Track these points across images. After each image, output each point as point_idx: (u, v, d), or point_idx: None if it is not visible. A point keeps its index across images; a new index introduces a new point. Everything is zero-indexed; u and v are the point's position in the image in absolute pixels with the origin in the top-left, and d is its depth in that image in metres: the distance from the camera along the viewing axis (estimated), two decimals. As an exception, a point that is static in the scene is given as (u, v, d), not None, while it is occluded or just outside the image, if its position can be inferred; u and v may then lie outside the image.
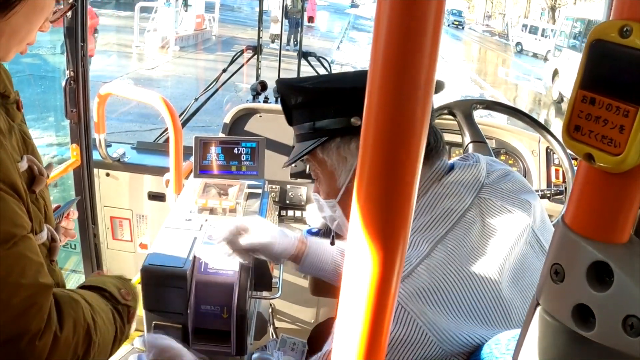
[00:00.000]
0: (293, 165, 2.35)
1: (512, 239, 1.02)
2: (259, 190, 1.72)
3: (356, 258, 0.45)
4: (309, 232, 1.92)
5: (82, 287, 1.11)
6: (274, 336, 2.16)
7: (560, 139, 2.02)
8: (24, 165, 0.95)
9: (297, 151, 1.20)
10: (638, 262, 0.42)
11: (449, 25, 34.88)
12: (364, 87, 0.41)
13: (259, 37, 3.84)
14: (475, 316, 0.93)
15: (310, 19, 22.62)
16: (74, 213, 1.36)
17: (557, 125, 11.95)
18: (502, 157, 2.42)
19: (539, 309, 0.47)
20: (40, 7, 0.95)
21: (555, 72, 14.82)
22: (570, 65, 13.71)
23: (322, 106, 1.13)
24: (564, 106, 12.98)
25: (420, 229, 1.00)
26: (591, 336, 0.42)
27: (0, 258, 0.81)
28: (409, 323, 0.88)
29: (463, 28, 37.00)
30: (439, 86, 1.15)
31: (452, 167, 1.11)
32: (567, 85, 13.33)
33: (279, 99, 1.22)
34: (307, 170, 2.36)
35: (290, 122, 1.22)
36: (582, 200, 0.44)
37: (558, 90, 14.24)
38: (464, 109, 1.98)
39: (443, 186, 1.06)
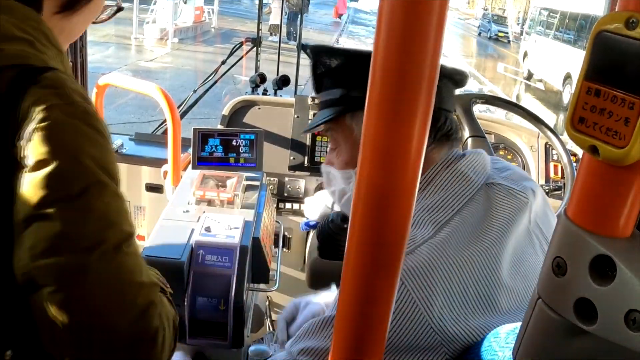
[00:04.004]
0: (291, 158, 2.34)
1: (514, 225, 1.03)
2: (257, 183, 1.71)
3: (358, 241, 0.45)
4: (307, 224, 1.91)
5: None
6: (271, 329, 2.16)
7: (559, 135, 2.02)
8: None
9: (323, 115, 1.17)
10: (641, 257, 0.41)
11: (490, 38, 26.69)
12: None
13: (258, 30, 3.83)
14: (472, 300, 0.93)
15: (340, 16, 22.75)
16: None
17: (526, 99, 13.66)
18: (501, 152, 2.42)
19: (540, 302, 0.46)
20: (98, 8, 0.99)
21: (525, 54, 17.15)
22: (536, 47, 16.28)
23: (359, 73, 1.08)
24: (532, 83, 15.47)
25: (427, 208, 1.00)
26: (593, 330, 0.42)
27: (124, 257, 0.80)
28: (405, 297, 0.87)
29: (509, 42, 26.09)
30: (464, 77, 1.17)
31: (463, 155, 1.13)
32: (534, 64, 16.13)
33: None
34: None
35: (318, 89, 1.20)
36: (585, 194, 0.43)
37: (527, 68, 16.57)
38: (463, 103, 1.97)
39: (456, 170, 1.07)
